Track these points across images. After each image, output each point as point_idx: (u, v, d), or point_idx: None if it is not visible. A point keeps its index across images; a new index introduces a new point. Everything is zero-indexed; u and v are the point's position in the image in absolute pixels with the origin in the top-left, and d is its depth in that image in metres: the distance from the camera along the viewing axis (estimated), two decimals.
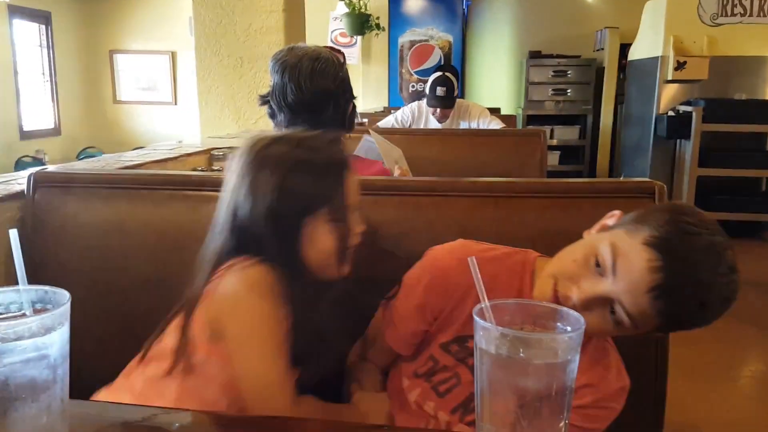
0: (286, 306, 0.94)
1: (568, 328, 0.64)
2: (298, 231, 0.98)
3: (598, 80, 7.03)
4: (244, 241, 0.98)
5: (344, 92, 1.58)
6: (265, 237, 0.96)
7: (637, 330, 0.88)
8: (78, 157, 7.29)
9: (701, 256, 0.85)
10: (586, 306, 0.88)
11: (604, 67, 6.93)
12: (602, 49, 6.97)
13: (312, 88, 1.51)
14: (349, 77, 1.62)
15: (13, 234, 0.67)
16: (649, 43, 5.69)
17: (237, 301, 0.94)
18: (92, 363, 1.12)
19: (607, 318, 0.88)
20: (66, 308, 0.62)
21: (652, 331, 0.90)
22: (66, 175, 1.36)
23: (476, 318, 0.63)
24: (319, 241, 0.99)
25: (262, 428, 0.79)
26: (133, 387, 0.99)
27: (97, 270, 1.25)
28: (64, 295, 0.64)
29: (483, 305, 0.66)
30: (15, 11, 7.29)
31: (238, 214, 0.99)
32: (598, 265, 0.89)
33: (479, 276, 0.70)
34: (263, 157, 0.99)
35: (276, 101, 1.55)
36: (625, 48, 6.54)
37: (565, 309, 0.65)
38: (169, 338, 0.98)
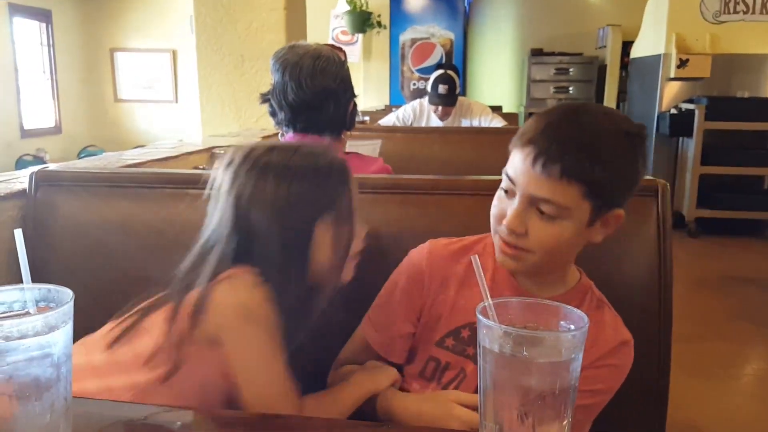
0: (280, 316, 0.94)
1: (572, 327, 0.64)
2: (308, 237, 0.98)
3: (600, 78, 7.03)
4: (246, 248, 0.98)
5: (345, 91, 1.58)
6: (274, 245, 0.96)
7: (573, 208, 0.88)
8: (79, 156, 7.30)
9: (558, 115, 0.92)
10: (517, 224, 0.90)
11: (606, 65, 6.93)
12: (604, 46, 6.97)
13: (313, 87, 1.51)
14: (349, 75, 1.62)
15: (18, 234, 0.67)
16: (651, 41, 5.68)
17: (238, 312, 0.94)
18: None
19: (544, 223, 0.89)
20: (69, 306, 0.62)
21: (590, 202, 0.89)
22: (67, 174, 1.36)
23: (479, 316, 0.63)
24: (327, 246, 0.99)
25: (264, 427, 0.79)
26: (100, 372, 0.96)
27: (99, 268, 1.25)
28: (68, 293, 0.64)
29: (486, 303, 0.65)
30: (16, 9, 7.30)
31: (240, 222, 0.98)
32: (506, 192, 0.93)
33: (482, 274, 0.70)
34: (265, 164, 0.99)
35: (276, 99, 1.55)
36: (627, 46, 6.54)
37: (568, 307, 0.65)
38: (152, 333, 0.96)
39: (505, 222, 0.91)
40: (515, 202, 0.91)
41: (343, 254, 1.01)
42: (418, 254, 1.07)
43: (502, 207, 0.93)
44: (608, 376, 0.95)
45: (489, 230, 1.04)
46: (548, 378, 0.61)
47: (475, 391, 0.99)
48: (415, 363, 1.07)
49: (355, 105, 1.65)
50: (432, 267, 1.05)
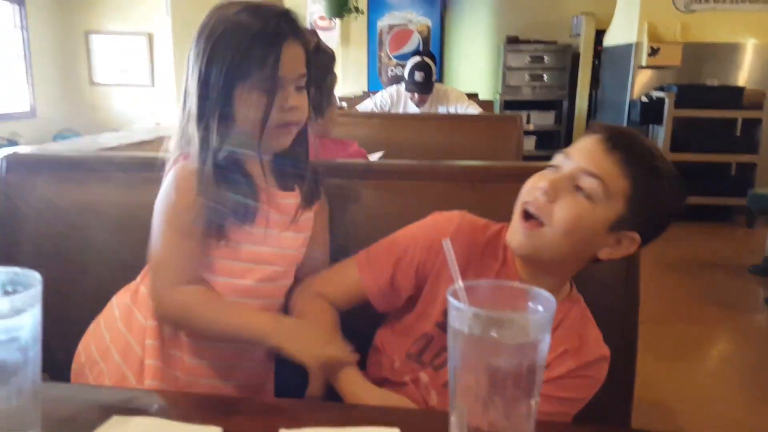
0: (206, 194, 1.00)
1: (540, 308, 0.65)
2: (229, 96, 1.00)
3: (573, 66, 7.08)
4: (186, 132, 1.03)
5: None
6: (199, 104, 1.00)
7: (610, 198, 0.90)
8: (54, 139, 7.14)
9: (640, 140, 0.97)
10: (553, 187, 0.91)
11: (579, 53, 6.98)
12: (578, 35, 7.01)
13: None
14: (321, 60, 1.58)
15: None
16: (623, 30, 5.74)
17: (160, 195, 1.04)
18: (66, 344, 1.12)
19: (578, 199, 0.91)
20: (37, 290, 0.62)
21: (625, 204, 0.91)
22: (39, 158, 1.34)
23: (450, 298, 0.64)
24: (250, 109, 1.00)
25: (242, 410, 0.80)
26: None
27: (71, 251, 1.24)
28: (35, 277, 0.63)
29: (456, 286, 0.66)
30: None
31: (186, 101, 1.03)
32: (554, 169, 0.95)
33: (453, 257, 0.71)
34: (206, 21, 1.03)
35: None
36: (600, 34, 6.59)
37: (536, 289, 0.66)
38: None
39: (542, 185, 0.92)
40: (559, 171, 0.94)
41: (267, 117, 1.00)
42: (448, 224, 1.04)
43: (538, 179, 0.95)
44: (583, 386, 0.97)
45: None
46: (516, 358, 0.62)
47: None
48: (407, 337, 1.04)
49: (318, 92, 1.57)
50: (455, 246, 1.02)
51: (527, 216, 0.94)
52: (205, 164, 1.00)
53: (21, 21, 7.79)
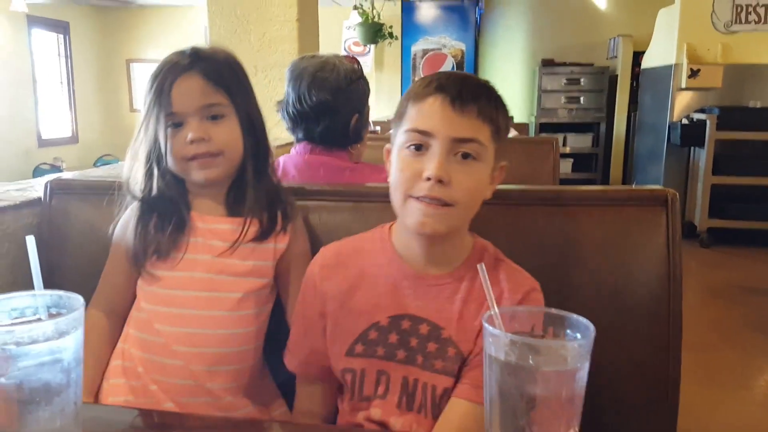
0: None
1: (578, 335, 0.64)
2: (153, 136, 1.09)
3: (611, 88, 7.02)
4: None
5: (345, 104, 1.56)
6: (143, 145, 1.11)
7: (486, 155, 0.92)
8: (95, 165, 7.38)
9: (450, 72, 1.00)
10: (443, 172, 0.89)
11: (617, 75, 6.92)
12: (615, 57, 6.96)
13: (310, 101, 1.52)
14: (359, 88, 1.60)
15: (30, 240, 0.68)
16: (662, 51, 5.67)
17: None
18: None
19: (468, 168, 0.91)
20: (80, 313, 0.63)
21: (492, 144, 0.93)
22: (81, 183, 1.38)
23: (486, 325, 0.63)
24: (164, 145, 1.08)
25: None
26: None
27: None
28: (78, 299, 0.65)
29: (492, 312, 0.66)
30: (34, 21, 7.41)
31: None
32: (417, 148, 0.92)
33: (488, 283, 0.70)
34: None
35: (283, 109, 1.58)
36: (638, 56, 6.53)
37: (574, 316, 0.65)
38: None
39: (429, 172, 0.89)
40: (435, 152, 0.90)
41: (176, 151, 1.08)
42: (311, 269, 1.05)
43: (415, 167, 0.91)
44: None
45: (498, 239, 1.04)
46: (554, 386, 0.61)
47: (404, 385, 0.96)
48: (334, 380, 1.04)
49: (360, 118, 1.62)
50: (324, 278, 1.03)
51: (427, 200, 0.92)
52: (142, 199, 1.12)
53: (65, 50, 8.10)
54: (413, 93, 0.95)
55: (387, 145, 1.01)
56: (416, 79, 7.57)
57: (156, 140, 1.09)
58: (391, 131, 1.02)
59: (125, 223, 1.15)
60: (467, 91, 0.92)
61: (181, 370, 1.07)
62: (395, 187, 0.95)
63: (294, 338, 1.08)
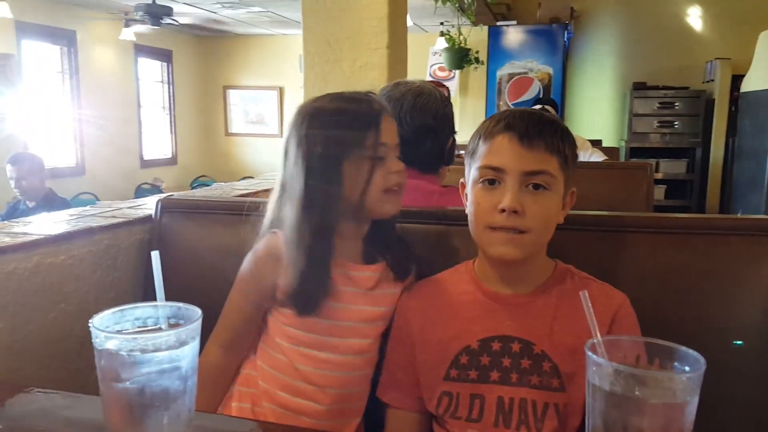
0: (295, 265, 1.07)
1: (687, 368, 0.62)
2: (338, 172, 1.07)
3: (707, 113, 6.69)
4: (281, 212, 1.12)
5: (444, 127, 1.62)
6: (306, 185, 1.08)
7: (556, 185, 0.99)
8: (191, 185, 7.75)
9: (516, 110, 1.05)
10: (517, 203, 0.96)
11: (714, 99, 6.60)
12: (712, 80, 6.65)
13: (412, 124, 1.55)
14: (451, 112, 1.65)
15: (155, 256, 0.74)
16: (763, 75, 5.37)
17: (247, 255, 1.15)
18: None
19: (540, 198, 0.98)
20: (198, 324, 0.67)
21: (561, 174, 1.00)
22: (189, 202, 1.46)
23: (589, 353, 0.62)
24: (358, 178, 1.07)
25: None
26: None
27: (215, 290, 1.32)
28: (196, 311, 0.69)
29: (595, 340, 0.65)
30: (140, 50, 7.94)
31: (285, 184, 1.12)
32: (491, 183, 1.00)
33: (591, 310, 0.69)
34: (299, 112, 1.12)
35: None
36: (737, 80, 6.21)
37: (683, 348, 0.63)
38: None
39: (504, 204, 0.96)
40: (508, 185, 0.98)
41: (379, 183, 1.07)
42: (401, 306, 1.13)
43: (490, 200, 0.99)
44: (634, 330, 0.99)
45: (592, 266, 1.03)
46: (661, 420, 0.59)
47: (500, 405, 0.98)
48: (425, 411, 1.08)
49: (453, 141, 1.68)
50: (415, 312, 1.10)
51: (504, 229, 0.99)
52: (300, 238, 1.08)
53: (168, 77, 8.62)
54: (484, 131, 1.03)
55: (461, 179, 1.09)
56: (500, 103, 7.53)
57: (336, 178, 1.07)
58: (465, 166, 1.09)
59: (261, 260, 1.14)
60: (533, 126, 0.99)
61: (307, 407, 1.11)
62: (473, 220, 1.03)
63: (387, 371, 1.12)
